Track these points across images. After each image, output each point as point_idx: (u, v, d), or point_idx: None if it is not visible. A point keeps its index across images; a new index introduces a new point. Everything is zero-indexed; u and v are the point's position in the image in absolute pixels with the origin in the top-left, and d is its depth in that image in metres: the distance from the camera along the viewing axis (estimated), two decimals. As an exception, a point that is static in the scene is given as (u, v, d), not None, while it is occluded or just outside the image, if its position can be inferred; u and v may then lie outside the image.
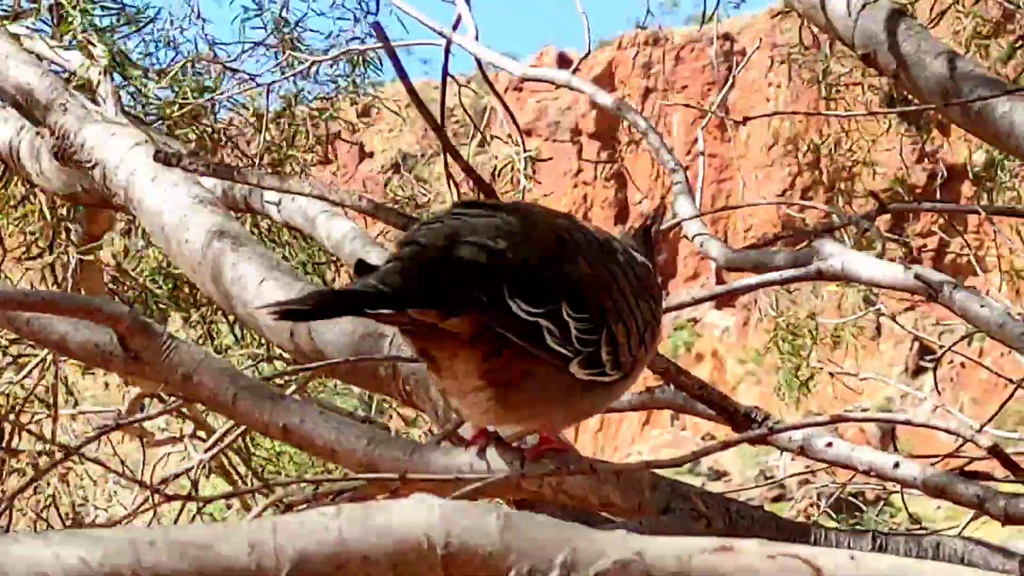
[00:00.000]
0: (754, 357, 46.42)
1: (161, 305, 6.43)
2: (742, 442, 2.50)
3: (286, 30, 6.75)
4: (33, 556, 1.30)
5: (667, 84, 50.73)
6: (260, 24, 6.80)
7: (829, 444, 2.66)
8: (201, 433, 6.73)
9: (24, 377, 6.27)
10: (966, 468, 2.86)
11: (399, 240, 2.17)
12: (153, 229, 3.82)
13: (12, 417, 6.06)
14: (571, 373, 2.18)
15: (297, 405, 2.51)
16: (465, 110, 5.57)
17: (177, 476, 4.81)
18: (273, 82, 6.46)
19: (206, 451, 3.74)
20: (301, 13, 6.91)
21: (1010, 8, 6.89)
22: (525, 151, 5.79)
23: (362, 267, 2.06)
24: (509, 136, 6.07)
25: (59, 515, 6.94)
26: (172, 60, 6.43)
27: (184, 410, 6.08)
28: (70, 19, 5.31)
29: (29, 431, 5.92)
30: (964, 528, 4.46)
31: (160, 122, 5.88)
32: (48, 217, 5.79)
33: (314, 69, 6.73)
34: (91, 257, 5.71)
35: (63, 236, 5.85)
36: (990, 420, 3.80)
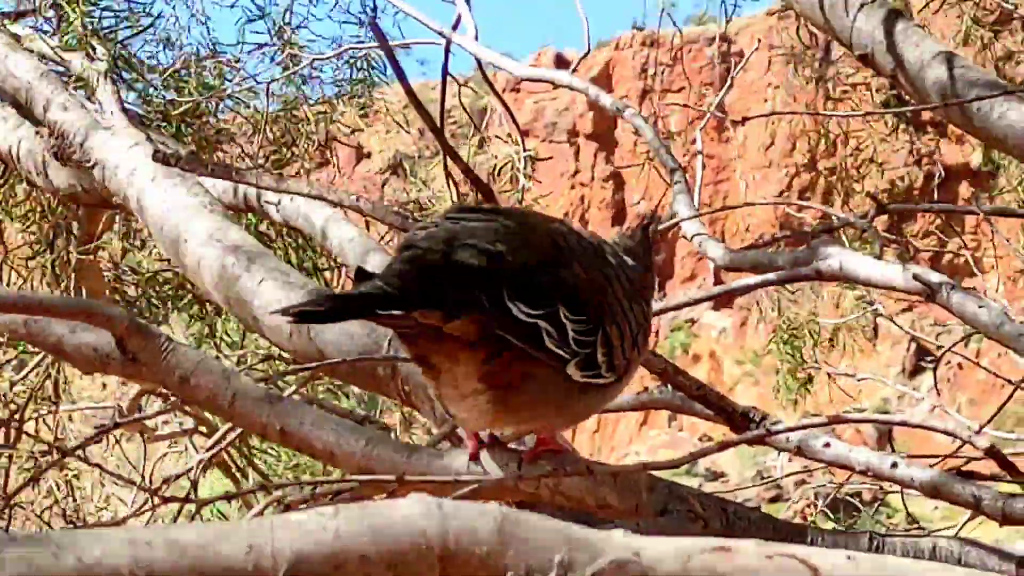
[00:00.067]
0: (751, 358, 46.45)
1: (161, 305, 6.43)
2: (740, 443, 2.50)
3: (287, 31, 6.76)
4: (31, 556, 1.30)
5: (666, 84, 50.73)
6: (262, 28, 6.81)
7: (827, 444, 2.67)
8: (203, 428, 6.73)
9: (26, 375, 6.27)
10: (963, 468, 2.86)
11: (398, 245, 2.18)
12: (153, 229, 3.82)
13: (16, 416, 6.05)
14: (568, 375, 2.20)
15: (295, 407, 2.51)
16: (465, 109, 5.57)
17: (178, 477, 4.81)
18: (272, 80, 6.46)
19: (207, 450, 3.74)
20: (303, 17, 6.92)
21: (1008, 8, 6.89)
22: (525, 150, 5.79)
23: (361, 274, 2.07)
24: (509, 135, 6.06)
25: (65, 516, 6.95)
26: (174, 59, 6.42)
27: (185, 408, 6.09)
28: (71, 19, 5.31)
29: (27, 434, 5.92)
30: (961, 528, 4.46)
31: (161, 120, 5.88)
32: (50, 216, 5.79)
33: (314, 69, 6.73)
34: (91, 256, 5.71)
35: (63, 235, 5.85)
36: (988, 422, 3.80)
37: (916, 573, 1.50)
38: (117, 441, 7.11)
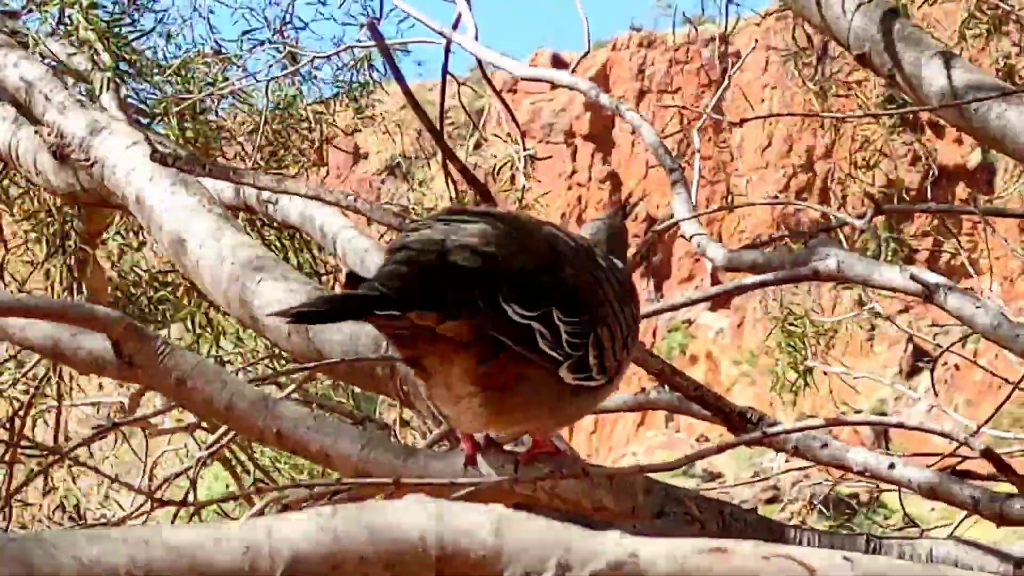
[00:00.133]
0: (748, 359, 46.44)
1: (162, 305, 6.43)
2: (738, 445, 2.50)
3: (287, 30, 6.76)
4: (29, 555, 1.30)
5: (662, 85, 50.74)
6: (263, 26, 6.80)
7: (824, 445, 2.67)
8: (204, 424, 6.72)
9: (27, 372, 6.26)
10: (959, 467, 2.86)
11: (389, 246, 2.19)
12: (152, 228, 3.82)
13: (19, 412, 6.05)
14: (560, 377, 2.20)
15: (291, 411, 2.51)
16: (464, 108, 5.57)
17: (178, 475, 4.80)
18: (272, 79, 6.46)
19: (207, 447, 3.74)
20: (303, 21, 6.92)
21: (1007, 8, 6.89)
22: (524, 150, 5.79)
23: (352, 278, 2.08)
24: (508, 135, 6.07)
25: (64, 509, 6.94)
26: (175, 56, 6.42)
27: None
28: (71, 17, 5.31)
29: (26, 438, 5.91)
30: (957, 528, 4.46)
31: (162, 117, 5.87)
32: (55, 216, 5.79)
33: (313, 69, 6.73)
34: (92, 254, 5.71)
35: (64, 234, 5.85)
36: (986, 422, 3.80)
37: (912, 574, 1.50)
38: (125, 438, 7.09)
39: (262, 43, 6.71)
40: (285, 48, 6.67)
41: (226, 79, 6.42)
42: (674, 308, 3.44)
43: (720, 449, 2.35)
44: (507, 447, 2.46)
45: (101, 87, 4.72)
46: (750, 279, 3.25)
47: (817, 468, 4.13)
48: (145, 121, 5.96)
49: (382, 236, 5.61)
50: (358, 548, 1.37)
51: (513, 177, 5.82)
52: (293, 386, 3.25)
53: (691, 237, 3.55)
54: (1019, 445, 5.60)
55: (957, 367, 39.03)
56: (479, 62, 4.02)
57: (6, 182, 6.14)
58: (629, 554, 1.39)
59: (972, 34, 6.88)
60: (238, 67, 6.59)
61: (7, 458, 5.61)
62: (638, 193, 48.52)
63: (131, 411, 6.57)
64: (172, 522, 4.73)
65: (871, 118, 7.69)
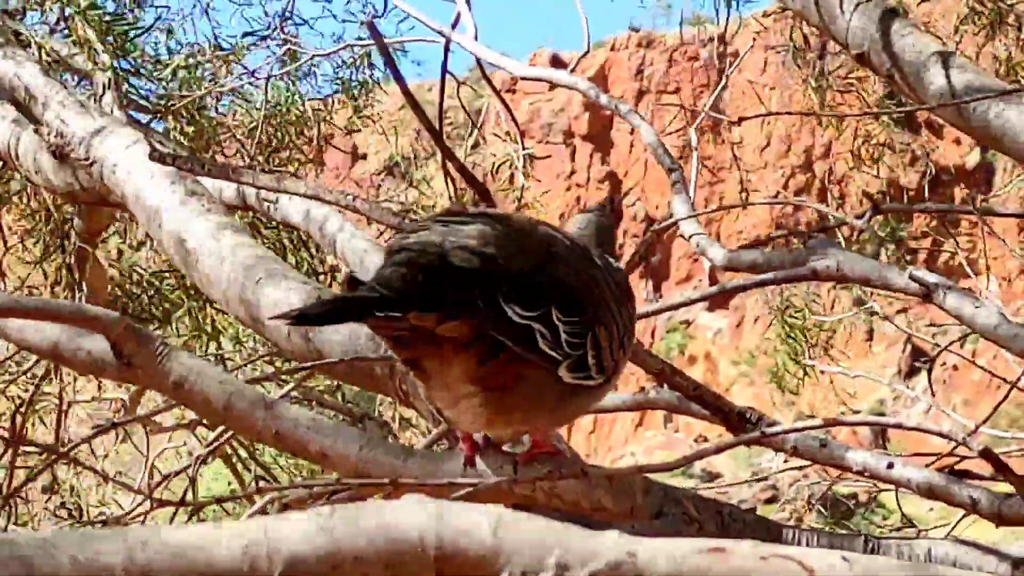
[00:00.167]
0: (747, 359, 46.46)
1: (164, 304, 6.43)
2: (736, 445, 2.50)
3: (288, 26, 6.75)
4: (27, 555, 1.30)
5: (661, 86, 50.75)
6: (263, 23, 6.80)
7: (823, 445, 2.67)
8: (206, 420, 6.72)
9: (29, 369, 6.27)
10: (957, 467, 2.86)
11: (388, 248, 2.19)
12: (151, 227, 3.82)
13: (21, 408, 6.05)
14: (559, 377, 2.20)
15: (290, 411, 2.51)
16: (464, 107, 5.58)
17: (177, 473, 4.79)
18: (271, 76, 6.46)
19: (207, 445, 3.74)
20: (303, 20, 6.92)
21: (1005, 8, 6.89)
22: (524, 149, 5.79)
23: (352, 281, 2.08)
24: (507, 134, 6.07)
25: (74, 512, 6.94)
26: (175, 51, 6.41)
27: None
28: (71, 16, 5.31)
29: (25, 439, 5.91)
30: (954, 527, 4.46)
31: (163, 115, 5.87)
32: (55, 214, 5.78)
33: (313, 66, 6.73)
34: (92, 252, 5.71)
35: (64, 232, 5.85)
36: (984, 423, 3.80)
37: (911, 575, 1.50)
38: (127, 435, 7.09)
39: (263, 39, 6.71)
40: (285, 44, 6.66)
41: (229, 72, 6.42)
42: (673, 308, 3.44)
43: (719, 449, 2.35)
44: (506, 448, 2.46)
45: (101, 86, 4.72)
46: (750, 279, 3.25)
47: (815, 468, 4.13)
48: (146, 118, 5.97)
49: (380, 235, 5.61)
50: (357, 548, 1.37)
51: (512, 176, 5.82)
52: (292, 384, 3.25)
53: (690, 237, 3.55)
54: (1017, 445, 5.60)
55: (955, 367, 39.07)
56: (478, 62, 4.03)
57: (6, 181, 6.14)
58: (627, 554, 1.39)
59: (970, 31, 6.88)
60: (238, 64, 6.59)
61: (7, 457, 5.61)
62: (636, 193, 48.55)
63: (131, 409, 6.57)
64: (171, 521, 4.74)
65: (868, 125, 7.70)
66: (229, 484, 7.27)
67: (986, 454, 2.37)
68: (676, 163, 3.71)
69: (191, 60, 6.25)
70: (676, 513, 2.46)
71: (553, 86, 4.20)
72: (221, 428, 3.91)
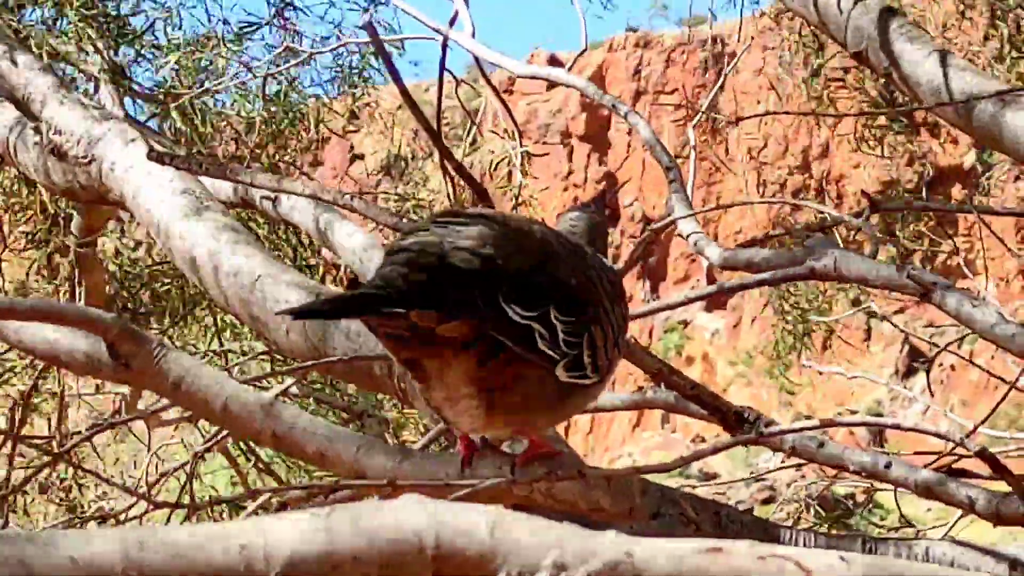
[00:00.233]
0: (744, 359, 46.47)
1: (162, 301, 6.43)
2: (733, 446, 2.50)
3: (287, 12, 6.76)
4: (25, 555, 1.29)
5: (658, 86, 50.78)
6: (263, 14, 6.80)
7: (821, 445, 2.67)
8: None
9: (33, 361, 6.27)
10: (954, 465, 2.86)
11: (387, 249, 2.20)
12: (149, 226, 3.82)
13: (20, 403, 6.05)
14: (556, 377, 2.20)
15: (288, 412, 2.51)
16: (462, 105, 5.57)
17: (176, 470, 4.79)
18: (270, 74, 6.45)
19: (205, 442, 3.74)
20: (306, 5, 6.92)
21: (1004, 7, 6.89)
22: (521, 146, 5.80)
23: (353, 282, 2.09)
24: (505, 131, 6.07)
25: (74, 508, 6.94)
26: (174, 36, 6.40)
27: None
28: (69, 13, 5.30)
29: (23, 438, 5.91)
30: (952, 527, 4.46)
31: (160, 102, 5.87)
32: (50, 210, 5.78)
33: (311, 56, 6.72)
34: (91, 249, 5.71)
35: (63, 228, 5.85)
36: (982, 423, 3.79)
37: (909, 575, 1.50)
38: (128, 429, 7.09)
39: (261, 25, 6.70)
40: (283, 33, 6.66)
41: (227, 58, 6.41)
42: (671, 307, 3.44)
43: (716, 450, 2.35)
44: (504, 448, 2.46)
45: (96, 79, 4.72)
46: (749, 278, 3.25)
47: (813, 468, 4.13)
48: (144, 116, 5.97)
49: (377, 228, 5.61)
50: (354, 548, 1.37)
51: (510, 174, 5.82)
52: (291, 381, 3.25)
53: (688, 236, 3.55)
54: (1015, 444, 5.60)
55: (953, 368, 39.10)
56: (477, 60, 4.03)
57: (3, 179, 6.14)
58: (625, 553, 1.39)
59: (968, 29, 6.88)
60: (237, 51, 6.58)
61: (6, 454, 5.61)
62: (634, 193, 48.56)
63: (132, 403, 6.57)
64: (168, 519, 4.74)
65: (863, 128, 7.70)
66: (231, 479, 7.26)
67: (984, 455, 2.37)
68: (673, 161, 3.71)
69: (190, 48, 6.24)
70: (673, 514, 2.47)
71: (551, 86, 4.21)
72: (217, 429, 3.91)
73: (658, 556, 1.40)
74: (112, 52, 5.44)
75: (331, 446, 2.46)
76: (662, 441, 44.39)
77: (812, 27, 4.22)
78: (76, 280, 5.84)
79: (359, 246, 3.85)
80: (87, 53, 5.07)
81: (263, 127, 6.39)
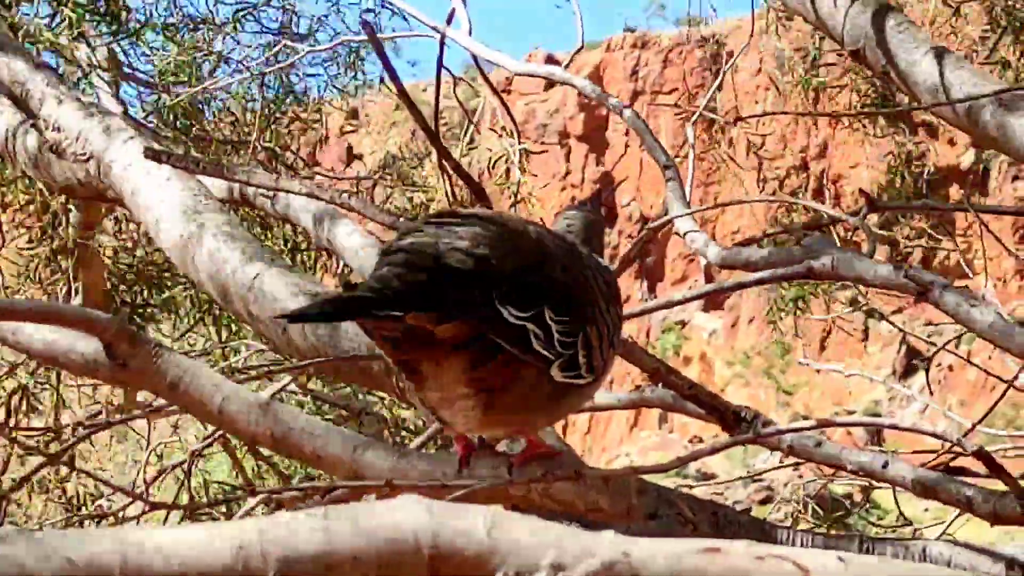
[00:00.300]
0: (742, 360, 46.49)
1: (160, 296, 6.43)
2: (731, 446, 2.50)
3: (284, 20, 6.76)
4: (19, 556, 1.29)
5: (656, 87, 50.79)
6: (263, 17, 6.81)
7: (819, 444, 2.66)
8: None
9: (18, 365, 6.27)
10: (951, 464, 2.86)
11: (382, 250, 2.19)
12: (148, 224, 3.82)
13: (18, 394, 6.05)
14: (551, 377, 2.20)
15: (284, 413, 2.51)
16: (461, 103, 5.58)
17: (174, 467, 4.78)
18: (266, 72, 6.45)
19: (204, 438, 3.74)
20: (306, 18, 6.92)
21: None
22: (520, 143, 5.79)
23: (348, 284, 2.09)
24: (504, 128, 6.07)
25: (83, 502, 6.94)
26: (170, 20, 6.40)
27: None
28: (66, 9, 5.30)
29: (16, 440, 5.90)
30: (949, 525, 4.47)
31: (159, 98, 5.87)
32: (51, 204, 5.78)
33: (308, 63, 6.73)
34: (89, 245, 5.71)
35: (63, 223, 5.85)
36: (979, 422, 3.80)
37: (906, 574, 1.50)
38: (131, 428, 7.09)
39: (256, 5, 6.70)
40: (282, 33, 6.67)
41: (224, 42, 6.41)
42: (669, 305, 3.44)
43: (714, 450, 2.35)
44: (502, 447, 2.46)
45: (97, 80, 4.72)
46: (746, 277, 3.25)
47: (810, 467, 4.12)
48: (141, 107, 5.97)
49: (376, 226, 5.60)
50: (352, 548, 1.37)
51: (508, 171, 5.82)
52: (289, 378, 3.25)
53: (685, 234, 3.55)
54: (1012, 443, 5.61)
55: (951, 368, 39.12)
56: (475, 58, 4.03)
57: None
58: (622, 554, 1.39)
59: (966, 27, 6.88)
60: (234, 39, 6.59)
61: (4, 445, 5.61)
62: (631, 193, 48.58)
63: (131, 397, 6.56)
64: (166, 518, 4.73)
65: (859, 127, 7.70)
66: (233, 473, 7.26)
67: (981, 455, 2.37)
68: (671, 159, 3.71)
69: (186, 29, 6.24)
70: (671, 514, 2.47)
71: (548, 86, 4.23)
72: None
73: (656, 556, 1.40)
74: (110, 39, 5.45)
75: (328, 446, 2.46)
76: (659, 441, 44.41)
77: (809, 24, 4.21)
78: (74, 276, 5.84)
79: (358, 244, 3.85)
80: (89, 43, 5.06)
81: (263, 111, 6.39)
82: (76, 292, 5.95)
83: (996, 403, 3.72)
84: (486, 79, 4.22)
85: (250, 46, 6.63)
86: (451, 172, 3.15)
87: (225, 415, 2.51)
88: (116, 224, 6.58)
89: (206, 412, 2.56)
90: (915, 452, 3.66)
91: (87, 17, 5.38)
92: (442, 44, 3.38)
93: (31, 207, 5.98)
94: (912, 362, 41.06)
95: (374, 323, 2.11)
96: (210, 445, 3.96)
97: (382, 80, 7.16)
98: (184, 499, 4.74)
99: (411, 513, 1.40)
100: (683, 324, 49.64)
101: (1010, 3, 6.81)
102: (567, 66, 4.23)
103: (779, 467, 3.74)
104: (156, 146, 3.64)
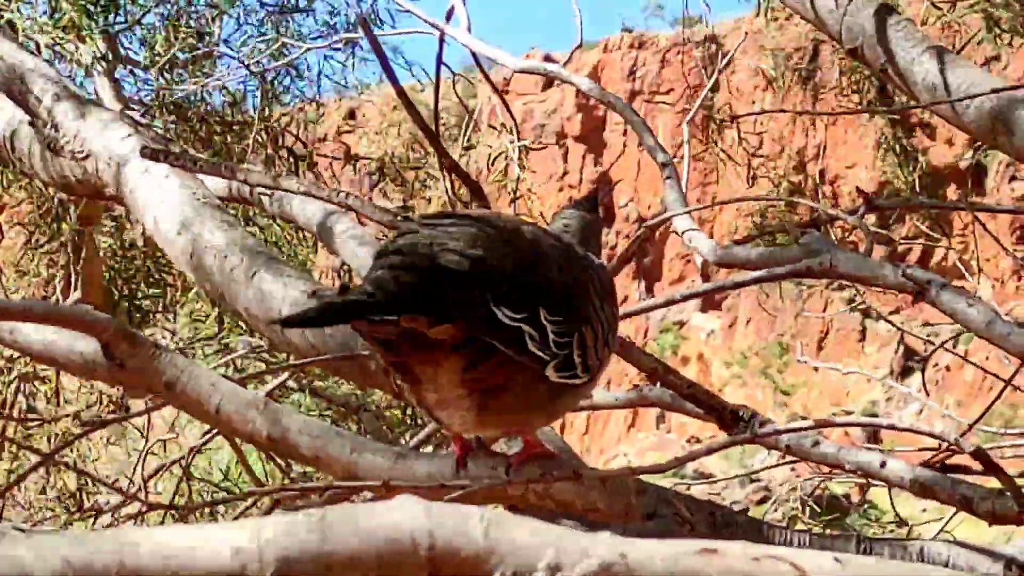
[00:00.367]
0: (740, 360, 46.52)
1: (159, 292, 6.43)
2: (729, 446, 2.50)
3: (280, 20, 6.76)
4: (17, 557, 1.29)
5: (654, 87, 50.81)
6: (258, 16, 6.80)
7: (816, 444, 2.66)
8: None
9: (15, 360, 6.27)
10: (948, 462, 2.86)
11: (377, 251, 2.19)
12: (146, 221, 3.82)
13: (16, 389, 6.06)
14: (546, 377, 2.20)
15: (281, 413, 2.51)
16: (460, 100, 5.58)
17: (173, 463, 4.78)
18: (265, 69, 6.45)
19: (201, 437, 3.74)
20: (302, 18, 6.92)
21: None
22: (519, 139, 5.79)
23: (343, 287, 2.09)
24: (503, 124, 6.07)
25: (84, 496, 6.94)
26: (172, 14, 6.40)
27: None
28: (65, 3, 5.30)
29: (11, 440, 5.90)
30: (947, 523, 4.47)
31: (157, 71, 5.87)
32: (49, 196, 5.78)
33: (306, 63, 6.74)
34: (88, 239, 5.71)
35: (63, 219, 5.85)
36: (977, 422, 3.80)
37: (904, 575, 1.50)
38: (126, 416, 7.08)
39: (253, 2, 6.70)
40: (278, 28, 6.66)
41: (229, 49, 6.41)
42: (668, 304, 3.43)
43: (711, 450, 2.35)
44: (499, 448, 2.46)
45: (95, 76, 4.71)
46: (743, 275, 3.25)
47: (808, 466, 4.12)
48: (141, 110, 5.96)
49: (368, 219, 5.60)
50: (349, 548, 1.37)
51: (507, 168, 5.82)
52: (287, 375, 3.25)
53: (683, 232, 3.55)
54: (1009, 441, 5.61)
55: (948, 368, 39.16)
56: (474, 55, 4.03)
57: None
58: (620, 555, 1.39)
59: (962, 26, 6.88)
60: (228, 14, 6.58)
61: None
62: (629, 194, 48.58)
63: (137, 394, 6.56)
64: (164, 518, 4.73)
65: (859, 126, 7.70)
66: (237, 471, 7.26)
67: (978, 455, 2.37)
68: (669, 157, 3.71)
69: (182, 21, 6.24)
70: (669, 514, 2.47)
71: (546, 87, 4.22)
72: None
73: (653, 557, 1.39)
74: (111, 28, 5.45)
75: (326, 447, 2.45)
76: (657, 441, 44.44)
77: (808, 23, 4.21)
78: (73, 270, 5.84)
79: (355, 243, 3.85)
80: (88, 36, 5.06)
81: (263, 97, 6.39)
82: (75, 287, 5.95)
83: (993, 402, 3.72)
84: (485, 75, 4.22)
85: (248, 26, 6.63)
86: (449, 171, 3.15)
87: (222, 415, 2.51)
88: (114, 221, 6.58)
89: (203, 412, 2.55)
90: (919, 450, 3.65)
91: (86, 7, 5.37)
92: (441, 41, 3.37)
93: (30, 204, 5.98)
94: (909, 362, 41.11)
95: (369, 326, 2.11)
96: (208, 442, 3.96)
97: (380, 80, 7.17)
98: (182, 498, 4.75)
99: (409, 513, 1.39)
100: (681, 324, 49.68)
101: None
102: (566, 64, 4.23)
103: (775, 465, 3.73)
104: (154, 144, 3.63)
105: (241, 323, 6.37)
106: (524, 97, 50.25)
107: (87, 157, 4.03)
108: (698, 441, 36.80)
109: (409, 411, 6.34)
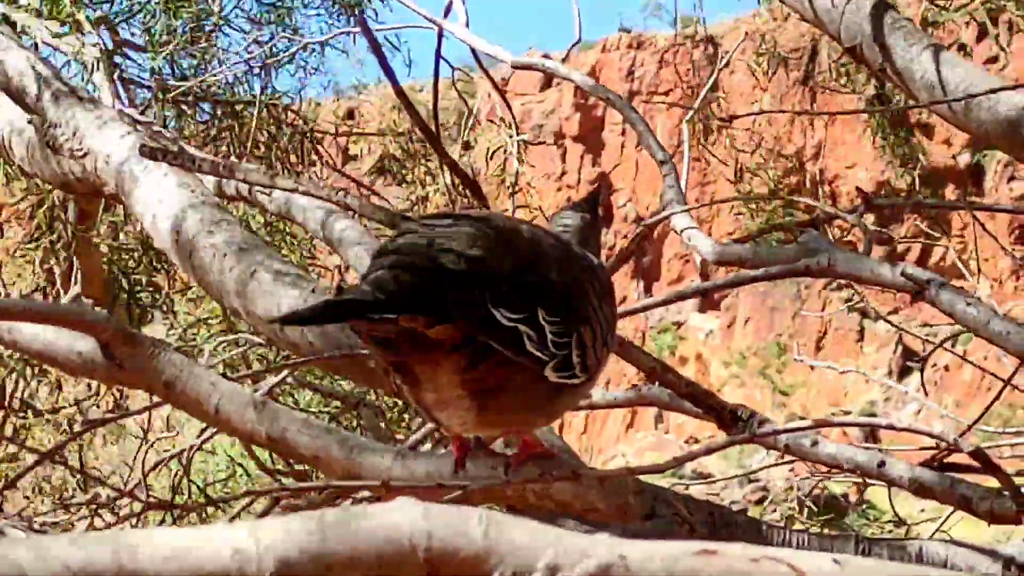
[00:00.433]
0: (738, 360, 46.51)
1: (154, 295, 6.43)
2: (727, 446, 2.50)
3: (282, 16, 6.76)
4: (15, 558, 1.29)
5: (652, 87, 50.79)
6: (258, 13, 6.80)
7: (815, 443, 2.66)
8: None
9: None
10: (947, 461, 2.86)
11: (375, 251, 2.20)
12: (144, 220, 3.82)
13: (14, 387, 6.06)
14: (545, 377, 2.21)
15: (280, 413, 2.51)
16: (460, 95, 5.58)
17: (171, 458, 4.77)
18: (264, 66, 6.46)
19: (199, 435, 3.74)
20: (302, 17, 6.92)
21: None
22: (518, 134, 5.80)
23: (341, 288, 2.09)
24: (501, 119, 6.07)
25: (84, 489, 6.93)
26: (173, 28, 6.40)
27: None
28: (63, 3, 5.30)
29: (8, 439, 5.90)
30: (944, 521, 4.46)
31: (155, 54, 5.87)
32: (46, 195, 5.78)
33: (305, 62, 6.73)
34: (87, 235, 5.72)
35: (62, 216, 5.85)
36: (976, 422, 3.80)
37: (902, 575, 1.50)
38: (125, 413, 7.08)
39: None
40: (279, 24, 6.67)
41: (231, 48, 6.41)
42: (667, 303, 3.44)
43: (710, 451, 2.35)
44: (497, 447, 2.46)
45: (95, 74, 4.71)
46: (742, 274, 3.25)
47: (806, 465, 4.12)
48: (142, 100, 5.96)
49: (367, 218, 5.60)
50: (348, 549, 1.37)
51: (505, 162, 5.82)
52: (286, 372, 3.25)
53: (682, 231, 3.55)
54: (1008, 440, 5.61)
55: (947, 368, 39.16)
56: (473, 52, 4.03)
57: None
58: (618, 555, 1.39)
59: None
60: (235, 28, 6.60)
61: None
62: (627, 194, 48.59)
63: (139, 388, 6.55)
64: (163, 519, 4.72)
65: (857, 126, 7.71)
66: (230, 459, 7.26)
67: (977, 454, 2.37)
68: (667, 155, 3.70)
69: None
70: (667, 514, 2.47)
71: (544, 86, 4.22)
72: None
73: (652, 558, 1.40)
74: (113, 17, 5.45)
75: (324, 447, 2.46)
76: (655, 442, 44.41)
77: (806, 21, 4.21)
78: (74, 266, 5.84)
79: (355, 242, 3.85)
80: (88, 24, 5.06)
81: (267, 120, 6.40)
82: (75, 281, 5.95)
83: (992, 402, 3.72)
84: (484, 71, 4.22)
85: (245, 20, 6.63)
86: (448, 169, 3.15)
87: (222, 415, 2.52)
88: (113, 218, 6.58)
89: (202, 412, 2.56)
90: (918, 450, 3.65)
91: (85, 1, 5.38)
92: (440, 36, 3.38)
93: (28, 201, 5.98)
94: (907, 362, 41.08)
95: (367, 325, 2.11)
96: (207, 441, 3.95)
97: (379, 80, 7.18)
98: (182, 496, 4.74)
99: (407, 514, 1.40)
100: (679, 324, 49.65)
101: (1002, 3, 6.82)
102: (563, 62, 4.23)
103: (774, 465, 3.73)
104: (152, 143, 3.63)
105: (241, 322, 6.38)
106: (522, 97, 50.23)
107: (86, 155, 4.03)
108: (696, 441, 36.81)
109: (408, 408, 6.34)
